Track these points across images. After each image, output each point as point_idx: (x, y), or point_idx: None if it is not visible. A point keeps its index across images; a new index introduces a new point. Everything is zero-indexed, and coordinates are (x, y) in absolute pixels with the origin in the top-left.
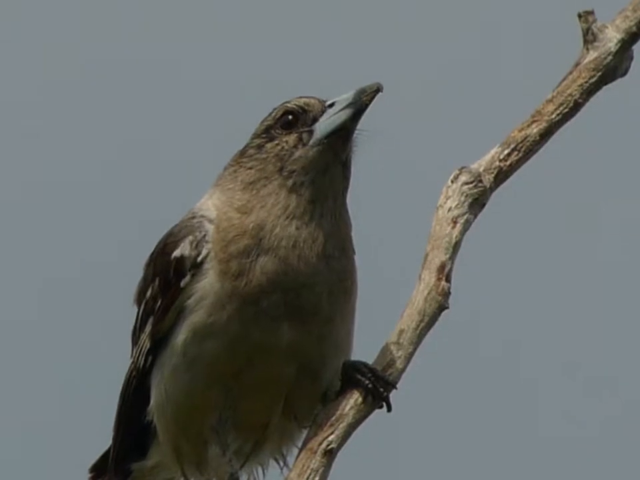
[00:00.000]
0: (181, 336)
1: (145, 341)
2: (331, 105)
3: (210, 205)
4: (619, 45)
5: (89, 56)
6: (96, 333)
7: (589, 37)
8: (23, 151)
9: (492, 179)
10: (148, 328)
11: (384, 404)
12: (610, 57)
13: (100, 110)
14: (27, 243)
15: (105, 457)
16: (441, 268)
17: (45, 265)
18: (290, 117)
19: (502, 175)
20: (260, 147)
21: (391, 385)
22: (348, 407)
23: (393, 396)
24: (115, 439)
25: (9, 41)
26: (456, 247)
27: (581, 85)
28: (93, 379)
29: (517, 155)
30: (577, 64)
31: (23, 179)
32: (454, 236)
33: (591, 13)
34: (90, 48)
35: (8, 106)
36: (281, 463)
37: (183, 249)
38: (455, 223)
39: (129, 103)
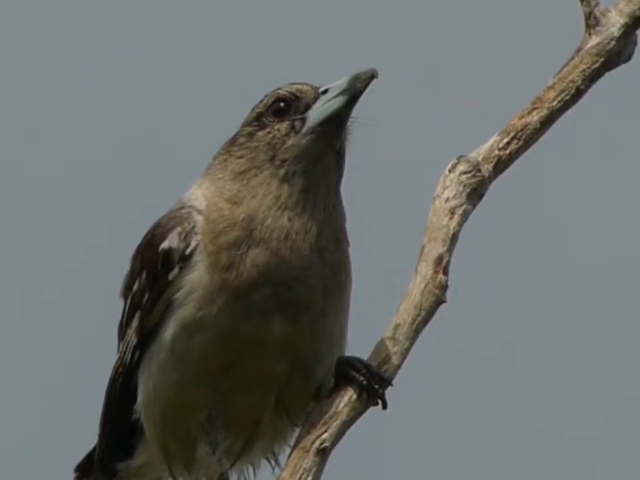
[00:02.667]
0: (169, 330)
1: (132, 336)
2: (324, 92)
3: (199, 195)
4: (623, 29)
5: (89, 56)
6: (81, 328)
7: (592, 22)
8: (23, 151)
9: (491, 169)
10: (135, 322)
11: (379, 401)
12: (613, 42)
13: (100, 109)
14: (21, 242)
15: (90, 456)
16: (438, 260)
17: (41, 261)
18: (282, 104)
19: (501, 164)
20: (251, 135)
21: (387, 382)
22: (342, 405)
23: (389, 393)
24: (101, 437)
25: (8, 41)
26: (454, 238)
27: (583, 71)
28: (78, 375)
29: (517, 143)
30: (579, 49)
31: (22, 178)
32: (452, 227)
33: None
34: (90, 48)
35: (7, 105)
36: (273, 462)
37: (171, 241)
38: (452, 213)
39: (128, 102)
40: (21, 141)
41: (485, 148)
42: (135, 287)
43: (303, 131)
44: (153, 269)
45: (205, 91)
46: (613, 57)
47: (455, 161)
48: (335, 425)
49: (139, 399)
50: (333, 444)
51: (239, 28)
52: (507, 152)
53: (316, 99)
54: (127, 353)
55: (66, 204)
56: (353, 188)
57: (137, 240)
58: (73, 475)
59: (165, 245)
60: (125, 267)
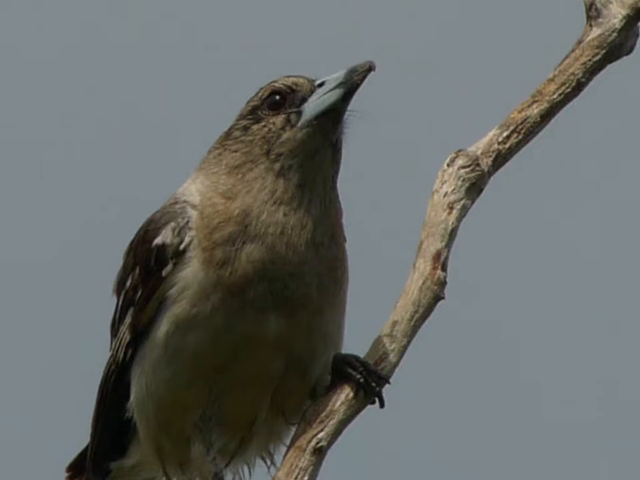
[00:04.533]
0: (163, 328)
1: (125, 333)
2: (321, 85)
3: (193, 189)
4: (624, 21)
5: (86, 50)
6: (73, 324)
7: (593, 13)
8: (21, 146)
9: (490, 163)
10: (128, 319)
11: (376, 399)
12: (614, 34)
13: (97, 105)
14: (16, 238)
15: (82, 455)
16: (437, 256)
17: (34, 256)
18: (277, 97)
19: (501, 159)
20: (246, 129)
21: (384, 380)
22: (338, 403)
23: (386, 391)
24: (93, 436)
25: (8, 37)
26: (452, 234)
27: (584, 64)
28: (71, 373)
29: (517, 137)
30: (580, 41)
31: (20, 177)
32: (450, 222)
33: None
34: (88, 42)
35: (6, 103)
36: (268, 462)
37: (165, 236)
38: (451, 208)
39: (126, 99)
40: (18, 137)
41: (484, 142)
42: (128, 284)
43: (299, 124)
44: (146, 265)
45: (203, 87)
46: (615, 49)
47: (454, 155)
48: (332, 423)
49: (132, 397)
50: (330, 443)
51: (237, 25)
52: (507, 146)
53: (312, 91)
54: (119, 350)
55: (61, 200)
56: (350, 182)
57: (130, 235)
58: (65, 475)
59: (158, 241)
60: (118, 263)
